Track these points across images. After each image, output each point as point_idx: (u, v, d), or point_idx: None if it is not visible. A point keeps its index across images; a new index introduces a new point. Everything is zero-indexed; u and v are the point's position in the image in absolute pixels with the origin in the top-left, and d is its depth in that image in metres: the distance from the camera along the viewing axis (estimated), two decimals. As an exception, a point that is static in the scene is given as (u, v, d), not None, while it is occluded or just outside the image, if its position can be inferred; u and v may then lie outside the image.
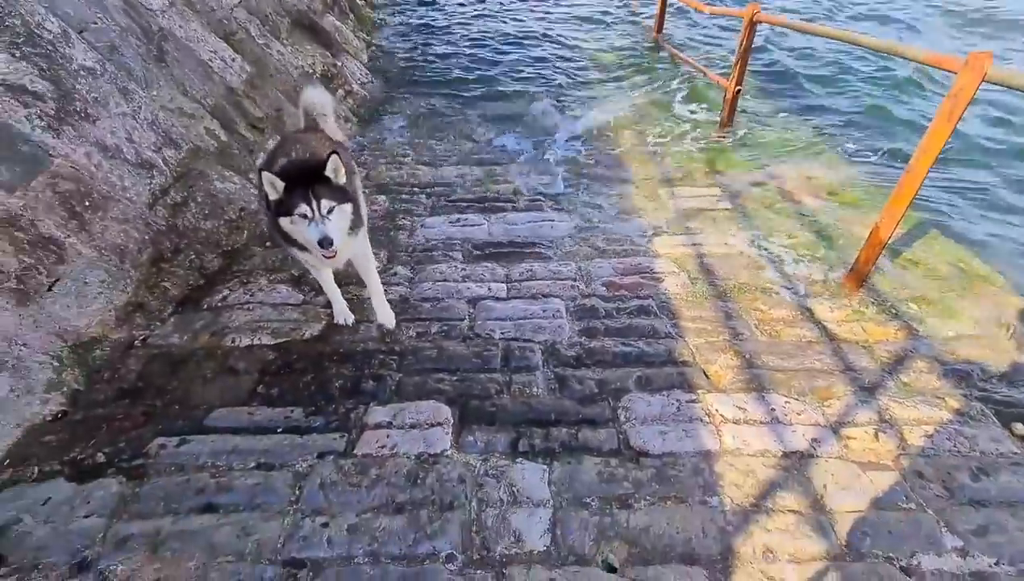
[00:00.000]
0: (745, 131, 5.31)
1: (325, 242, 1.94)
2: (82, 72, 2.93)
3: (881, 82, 6.59)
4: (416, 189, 4.26)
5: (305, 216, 1.96)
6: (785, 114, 5.81)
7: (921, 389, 2.30)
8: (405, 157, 4.95)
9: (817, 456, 1.99)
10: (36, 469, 1.96)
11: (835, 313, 2.78)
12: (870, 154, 4.98)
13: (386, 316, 2.68)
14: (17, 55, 2.63)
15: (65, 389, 2.28)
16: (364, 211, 2.55)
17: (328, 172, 2.03)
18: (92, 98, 2.93)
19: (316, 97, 2.84)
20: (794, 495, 1.85)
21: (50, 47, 2.80)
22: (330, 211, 1.99)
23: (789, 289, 2.97)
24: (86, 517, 1.78)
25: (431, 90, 6.59)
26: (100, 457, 2.00)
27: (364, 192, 3.04)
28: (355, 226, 2.24)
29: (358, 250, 2.46)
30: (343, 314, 2.70)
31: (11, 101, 2.57)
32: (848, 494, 1.85)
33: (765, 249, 3.35)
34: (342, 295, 2.73)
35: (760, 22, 4.55)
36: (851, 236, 3.41)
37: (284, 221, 2.01)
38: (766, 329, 2.66)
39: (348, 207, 2.10)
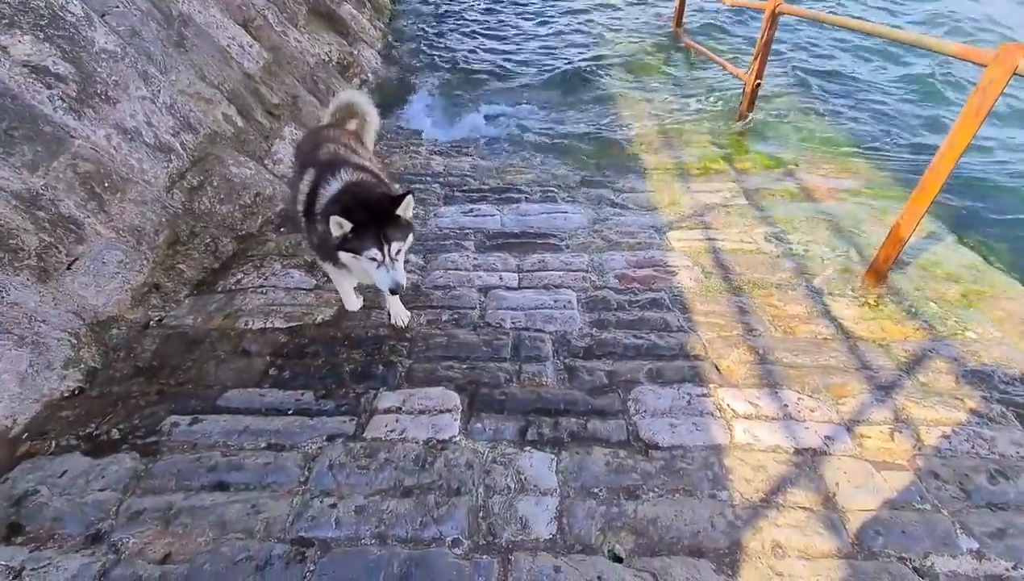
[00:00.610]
0: (764, 125, 5.22)
1: (398, 289, 1.95)
2: (103, 55, 2.96)
3: (905, 78, 6.44)
4: (429, 178, 4.25)
5: (375, 259, 1.91)
6: (805, 109, 5.70)
7: (939, 390, 2.25)
8: (419, 146, 4.94)
9: (830, 454, 1.96)
10: (53, 443, 2.00)
11: (852, 311, 2.72)
12: (892, 151, 4.87)
13: (399, 313, 2.60)
14: (41, 36, 2.67)
15: (82, 366, 2.32)
16: None
17: (400, 211, 1.95)
18: (113, 81, 2.96)
19: (356, 99, 2.90)
20: (805, 492, 1.82)
21: (73, 29, 2.83)
22: (399, 252, 1.95)
23: (805, 285, 2.91)
24: (101, 491, 1.81)
25: (446, 79, 6.57)
26: (115, 433, 2.04)
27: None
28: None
29: None
30: (352, 304, 2.69)
31: (35, 82, 2.61)
32: (861, 492, 1.82)
33: (782, 244, 3.29)
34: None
35: (783, 13, 4.46)
36: (871, 233, 3.34)
37: (346, 257, 1.96)
38: (781, 325, 2.62)
39: (410, 237, 2.06)
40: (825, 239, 3.36)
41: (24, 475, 1.86)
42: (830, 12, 7.01)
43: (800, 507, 1.77)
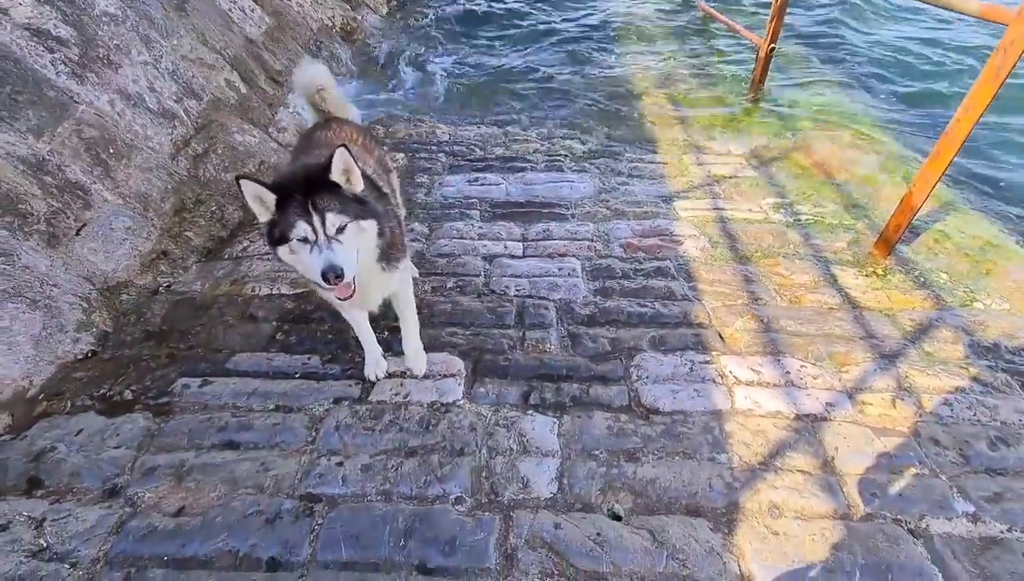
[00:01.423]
0: (777, 94, 5.08)
1: (329, 271, 1.39)
2: (104, 18, 2.93)
3: (925, 46, 6.21)
4: (434, 147, 4.21)
5: (305, 239, 1.43)
6: (820, 75, 5.53)
7: (944, 359, 2.24)
8: (424, 114, 4.88)
9: (830, 419, 1.97)
10: (69, 403, 2.05)
11: (860, 280, 2.70)
12: (906, 122, 4.74)
13: (416, 359, 2.17)
14: (40, -2, 2.63)
15: (94, 330, 2.36)
16: (404, 235, 1.94)
17: (334, 175, 1.48)
18: (114, 45, 2.93)
19: (314, 74, 2.31)
20: (804, 456, 1.84)
21: (72, -9, 2.79)
22: (340, 230, 1.45)
23: (813, 255, 2.89)
24: (116, 448, 1.87)
25: (452, 45, 6.43)
26: (128, 394, 2.09)
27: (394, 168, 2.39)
28: (390, 256, 1.70)
29: (396, 288, 1.92)
30: (375, 366, 2.16)
31: (36, 46, 2.59)
32: (860, 457, 1.84)
33: (790, 214, 3.25)
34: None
35: (800, -25, 4.29)
36: (881, 203, 3.28)
37: (283, 252, 1.48)
38: (787, 294, 2.61)
39: (370, 225, 1.54)
40: (835, 209, 3.31)
41: (42, 433, 1.92)
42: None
43: (798, 470, 1.80)
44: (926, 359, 2.24)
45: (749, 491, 1.73)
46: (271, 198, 1.44)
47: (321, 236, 1.42)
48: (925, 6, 2.98)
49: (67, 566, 1.53)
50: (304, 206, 1.41)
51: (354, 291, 1.52)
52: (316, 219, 1.41)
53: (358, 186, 1.54)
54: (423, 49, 6.29)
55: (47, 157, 2.48)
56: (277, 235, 1.45)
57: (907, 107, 4.98)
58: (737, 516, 1.66)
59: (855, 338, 2.35)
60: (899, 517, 1.66)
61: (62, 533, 1.61)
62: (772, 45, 4.63)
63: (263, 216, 1.48)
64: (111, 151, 2.73)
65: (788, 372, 2.16)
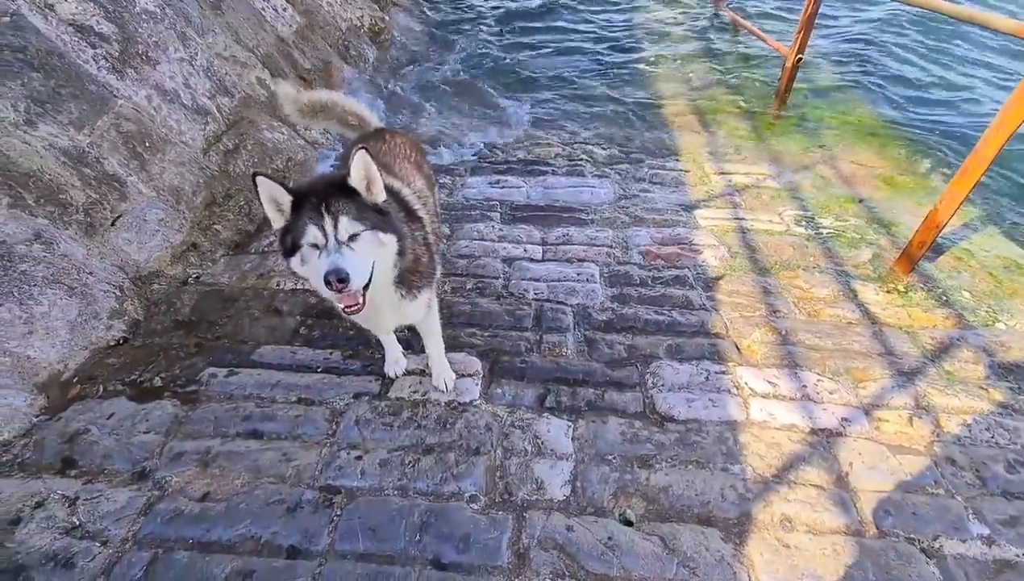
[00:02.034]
0: (803, 104, 5.04)
1: (332, 274, 1.28)
2: (144, 16, 3.02)
3: (959, 60, 6.10)
4: (447, 146, 4.26)
5: (315, 245, 1.35)
6: (847, 88, 5.47)
7: (964, 379, 2.22)
8: (446, 113, 4.93)
9: (846, 435, 1.97)
10: (101, 387, 2.14)
11: (880, 296, 2.68)
12: (933, 138, 4.67)
13: (442, 377, 2.12)
14: (85, -4, 2.73)
15: (126, 317, 2.45)
16: (436, 256, 1.85)
17: (353, 181, 1.39)
18: (153, 42, 3.03)
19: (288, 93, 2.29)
20: (818, 470, 1.85)
21: (115, -11, 2.89)
22: (353, 238, 1.36)
23: (834, 269, 2.87)
24: (145, 433, 1.94)
25: (477, 48, 6.47)
26: (157, 381, 2.17)
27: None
28: (411, 283, 1.61)
29: (418, 316, 1.83)
30: (395, 363, 2.20)
31: (80, 41, 2.69)
32: (874, 474, 1.84)
33: (812, 227, 3.23)
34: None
35: (830, -15, 4.25)
36: (905, 219, 3.25)
37: (295, 262, 1.41)
38: (805, 307, 2.61)
39: (390, 239, 1.44)
40: (857, 223, 3.28)
41: (76, 415, 2.00)
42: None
43: (812, 484, 1.80)
44: (945, 378, 2.22)
45: (762, 503, 1.74)
46: (287, 200, 1.37)
47: (332, 241, 1.33)
48: (958, 22, 2.95)
49: (98, 544, 1.60)
50: (317, 209, 1.33)
51: (362, 305, 1.40)
52: (328, 222, 1.32)
53: (379, 196, 1.45)
54: (440, 49, 6.35)
55: (87, 149, 2.57)
56: (290, 243, 1.39)
57: (936, 122, 4.90)
58: (749, 527, 1.68)
59: (873, 354, 2.34)
60: (912, 536, 1.66)
61: (94, 512, 1.68)
62: (799, 56, 4.60)
63: (277, 222, 1.42)
64: (147, 145, 2.83)
65: (804, 386, 2.16)
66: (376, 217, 1.42)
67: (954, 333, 2.45)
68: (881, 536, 1.66)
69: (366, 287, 1.40)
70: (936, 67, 5.95)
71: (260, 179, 1.36)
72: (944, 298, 2.66)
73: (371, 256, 1.41)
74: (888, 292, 2.71)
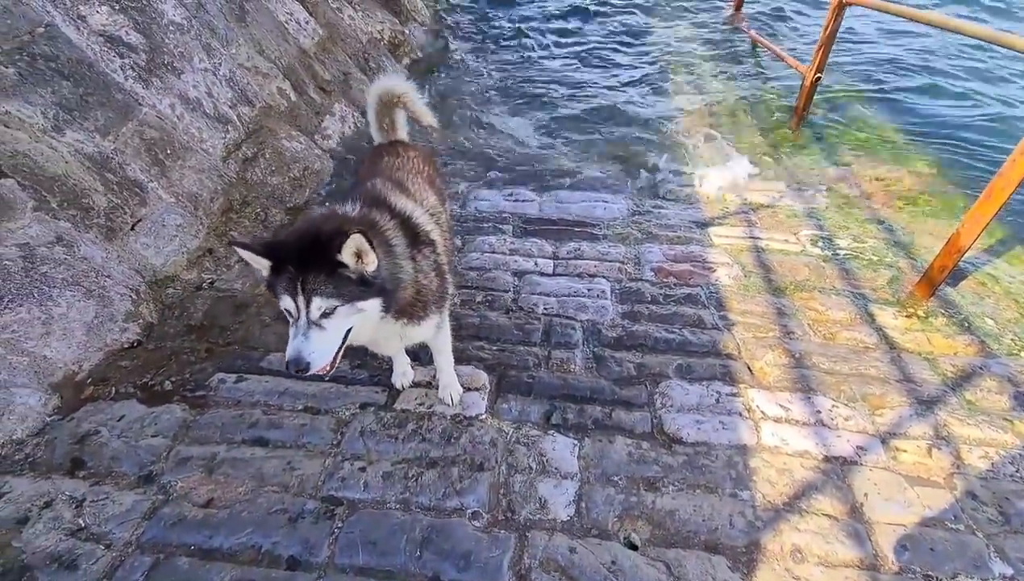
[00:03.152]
0: (821, 122, 5.00)
1: (292, 364, 1.31)
2: (171, 27, 3.11)
3: (979, 77, 6.01)
4: (468, 158, 4.29)
5: (289, 314, 1.36)
6: (866, 107, 5.41)
7: (987, 409, 2.15)
8: (460, 124, 4.98)
9: (861, 464, 1.91)
10: (113, 389, 2.16)
11: (899, 321, 2.62)
12: (957, 158, 4.58)
13: (449, 391, 2.11)
14: (116, 7, 2.82)
15: (141, 321, 2.49)
16: (448, 277, 1.81)
17: (344, 257, 1.33)
18: (179, 52, 3.11)
19: (393, 85, 2.33)
20: (831, 500, 1.79)
21: (144, 1, 2.98)
22: (327, 314, 1.34)
23: (851, 291, 2.81)
24: (153, 436, 1.96)
25: (491, 60, 6.54)
26: (167, 385, 2.19)
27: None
28: (412, 314, 1.60)
29: (426, 336, 1.82)
30: (402, 375, 2.20)
31: (109, 51, 2.78)
32: (891, 506, 1.77)
33: (829, 248, 3.18)
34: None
35: (850, 4, 4.22)
36: (926, 241, 3.18)
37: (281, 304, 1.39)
38: (821, 330, 2.55)
39: (371, 305, 1.40)
40: (876, 245, 3.22)
41: (87, 416, 2.03)
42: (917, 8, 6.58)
43: (824, 514, 1.75)
44: (967, 408, 2.15)
45: (771, 531, 1.69)
46: (265, 265, 1.35)
47: (303, 318, 1.32)
48: (987, 44, 2.90)
49: (102, 547, 1.61)
50: (292, 283, 1.30)
51: (331, 370, 1.41)
52: (301, 300, 1.31)
53: (370, 266, 1.38)
54: (461, 59, 6.42)
55: (111, 155, 2.64)
56: (272, 290, 1.37)
57: (960, 141, 4.82)
58: (757, 556, 1.63)
59: (891, 380, 2.27)
60: (931, 573, 1.60)
61: (99, 515, 1.69)
62: (818, 75, 4.56)
63: (261, 272, 1.40)
64: (168, 152, 2.89)
65: (819, 411, 2.10)
66: (357, 290, 1.37)
67: (976, 361, 2.37)
68: (898, 572, 1.60)
69: (339, 350, 1.41)
70: (961, 84, 5.86)
71: (236, 248, 1.35)
72: (966, 324, 2.58)
73: (345, 327, 1.39)
74: (907, 317, 2.64)
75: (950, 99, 5.58)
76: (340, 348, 1.41)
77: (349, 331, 1.41)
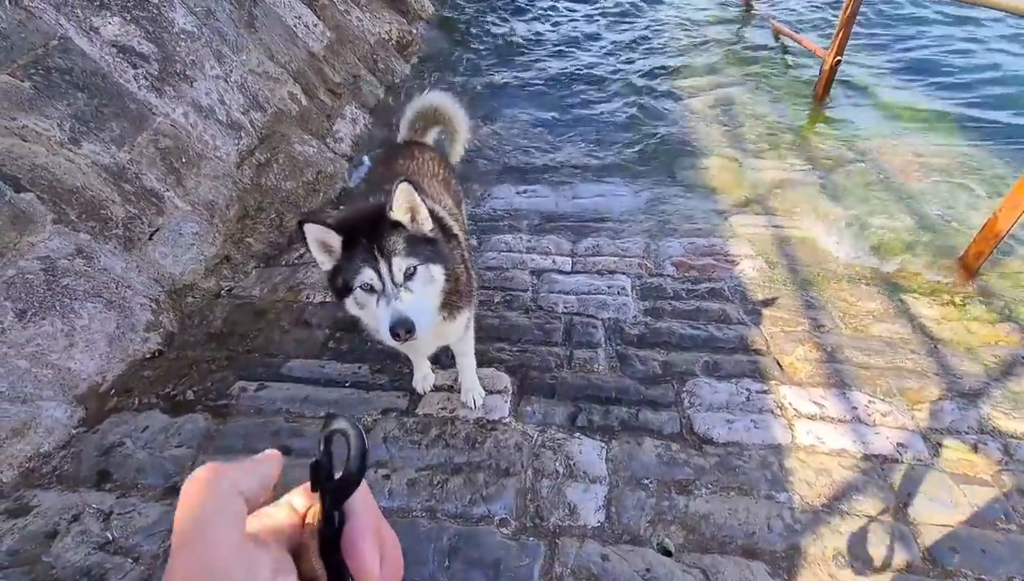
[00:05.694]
0: (842, 101, 4.83)
1: (399, 326, 1.25)
2: (182, 35, 3.10)
3: (1013, 52, 5.77)
4: (479, 156, 4.24)
5: (371, 287, 1.31)
6: (890, 84, 5.22)
7: (1033, 401, 2.05)
8: (470, 121, 4.93)
9: (902, 462, 1.83)
10: (137, 400, 2.17)
11: (935, 309, 2.52)
12: (990, 135, 4.40)
13: (471, 394, 2.07)
14: (128, 18, 2.82)
15: (161, 330, 2.49)
16: (474, 278, 1.77)
17: (396, 213, 1.33)
18: (190, 60, 3.11)
19: (441, 102, 2.34)
20: (873, 500, 1.72)
21: (155, 10, 2.98)
22: (410, 277, 1.32)
23: (882, 280, 2.71)
24: (177, 447, 1.95)
25: (500, 56, 6.47)
26: (190, 394, 2.18)
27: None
28: (453, 305, 1.54)
29: (457, 337, 1.78)
30: (423, 380, 2.16)
31: (122, 62, 2.78)
32: (936, 506, 1.70)
33: (856, 235, 3.07)
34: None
35: (871, -17, 4.08)
36: (961, 223, 3.06)
37: (349, 304, 1.38)
38: (852, 322, 2.46)
39: (439, 271, 1.39)
40: (906, 230, 3.11)
41: (112, 428, 2.03)
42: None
43: (866, 516, 1.67)
44: (1012, 400, 2.05)
45: (811, 535, 1.63)
46: (337, 241, 1.30)
47: (388, 284, 1.28)
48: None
49: (131, 561, 1.60)
50: (369, 250, 1.27)
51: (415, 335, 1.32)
52: (382, 264, 1.27)
53: (425, 225, 1.38)
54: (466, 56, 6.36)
55: (127, 166, 2.64)
56: (340, 284, 1.34)
57: (994, 121, 4.62)
58: (798, 561, 1.56)
59: (929, 373, 2.18)
60: (983, 577, 1.52)
61: (127, 527, 1.69)
62: (838, 58, 4.42)
63: (325, 263, 1.36)
64: (183, 160, 2.89)
65: (855, 407, 2.03)
66: (427, 250, 1.36)
67: (1020, 351, 2.27)
68: (947, 576, 1.52)
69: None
70: (991, 58, 5.63)
71: (308, 226, 1.28)
72: (1007, 312, 2.48)
73: (429, 294, 1.38)
74: (943, 305, 2.54)
75: (983, 78, 5.36)
76: (431, 322, 1.39)
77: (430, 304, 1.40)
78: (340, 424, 0.41)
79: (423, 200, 1.37)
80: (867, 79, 5.34)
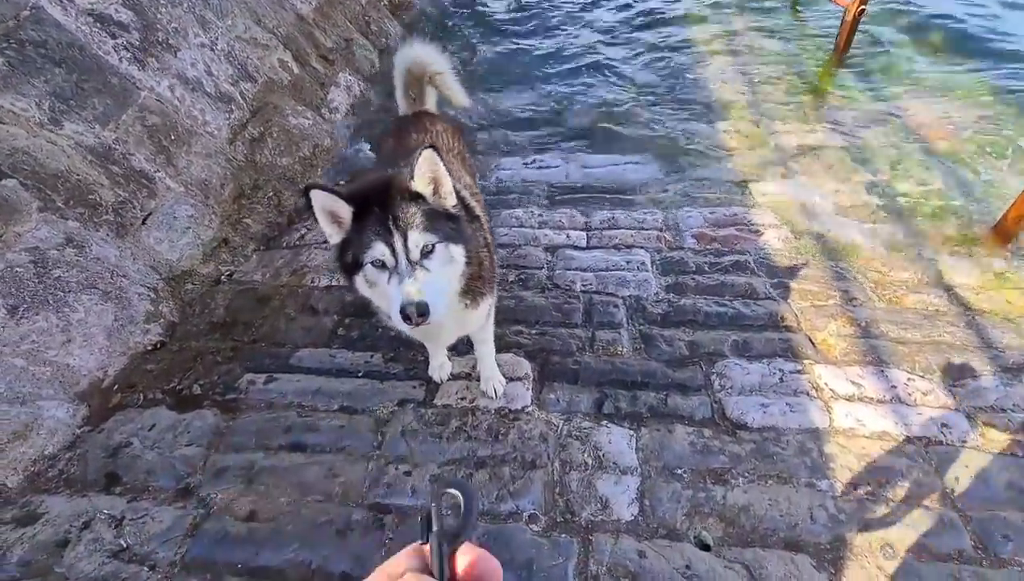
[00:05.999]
0: (867, 56, 4.57)
1: (410, 307, 1.12)
2: (162, 0, 2.87)
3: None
4: (485, 124, 4.04)
5: (383, 263, 1.19)
6: (918, 39, 4.93)
7: (1081, 374, 1.95)
8: (470, 88, 4.68)
9: (947, 444, 1.75)
10: (141, 395, 2.08)
11: (971, 278, 2.40)
12: None
13: (491, 382, 1.96)
14: (101, -18, 2.59)
15: (162, 320, 2.38)
16: (495, 264, 1.62)
17: (417, 184, 1.22)
18: (172, 28, 2.88)
19: (425, 58, 2.18)
20: (918, 486, 1.64)
21: (130, -27, 2.74)
22: (427, 255, 1.20)
23: (914, 247, 2.58)
24: (187, 445, 1.87)
25: (504, 18, 6.13)
26: (196, 389, 2.09)
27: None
28: (475, 291, 1.42)
29: (479, 325, 1.68)
30: (440, 368, 2.06)
31: (100, 32, 2.56)
32: (985, 490, 1.62)
33: (885, 197, 2.92)
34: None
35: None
36: (997, 184, 2.90)
37: (359, 282, 1.27)
38: (885, 294, 2.35)
39: (459, 251, 1.27)
40: (938, 192, 2.96)
41: (118, 427, 1.95)
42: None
43: (913, 503, 1.60)
44: (1059, 374, 1.96)
45: (856, 524, 1.55)
46: (347, 211, 1.19)
47: (403, 261, 1.16)
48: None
49: (147, 569, 1.54)
50: (383, 222, 1.15)
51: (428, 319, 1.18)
52: (397, 238, 1.14)
53: (449, 200, 1.26)
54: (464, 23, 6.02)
55: (113, 146, 2.47)
56: (350, 259, 1.22)
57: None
58: (844, 553, 1.50)
59: (970, 347, 2.08)
60: (1038, 565, 1.46)
61: (140, 533, 1.62)
62: (862, 7, 4.14)
63: (334, 236, 1.25)
64: (172, 138, 2.71)
65: (894, 386, 1.93)
66: (447, 227, 1.23)
67: (1064, 320, 2.16)
68: (1000, 564, 1.46)
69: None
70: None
71: (315, 193, 1.17)
72: (1049, 279, 2.36)
73: (446, 275, 1.25)
74: (981, 273, 2.41)
75: (1008, 25, 5.06)
76: (447, 306, 1.25)
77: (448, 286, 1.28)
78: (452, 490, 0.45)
79: (448, 172, 1.23)
80: (892, 34, 5.04)
